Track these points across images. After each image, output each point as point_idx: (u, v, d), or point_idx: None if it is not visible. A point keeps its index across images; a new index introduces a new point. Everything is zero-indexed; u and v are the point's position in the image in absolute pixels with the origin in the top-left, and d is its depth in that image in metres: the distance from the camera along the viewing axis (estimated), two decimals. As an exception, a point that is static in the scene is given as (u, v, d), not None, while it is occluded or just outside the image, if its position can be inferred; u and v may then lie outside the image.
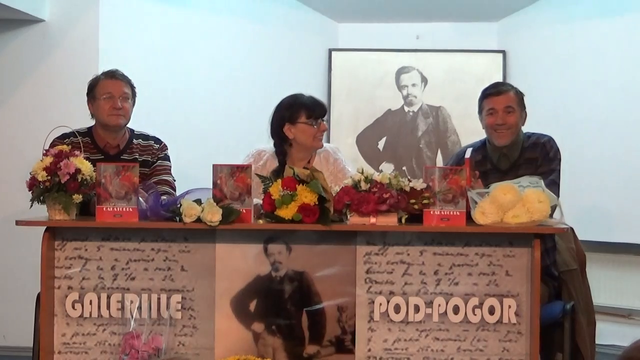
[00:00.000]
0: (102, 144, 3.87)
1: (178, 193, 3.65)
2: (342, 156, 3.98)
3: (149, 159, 3.90)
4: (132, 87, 3.89)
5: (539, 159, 3.80)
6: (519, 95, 3.87)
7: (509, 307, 3.32)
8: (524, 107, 3.87)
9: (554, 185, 3.65)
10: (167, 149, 3.97)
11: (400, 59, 5.73)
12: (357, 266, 3.35)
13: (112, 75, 3.88)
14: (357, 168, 3.35)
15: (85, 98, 3.88)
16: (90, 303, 3.37)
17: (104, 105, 3.81)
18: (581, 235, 3.92)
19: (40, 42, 4.96)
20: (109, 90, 3.82)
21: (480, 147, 3.92)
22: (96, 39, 4.90)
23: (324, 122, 3.89)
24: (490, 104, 3.82)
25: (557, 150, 3.83)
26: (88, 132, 3.89)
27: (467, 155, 3.53)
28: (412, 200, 3.23)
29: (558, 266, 3.79)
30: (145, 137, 3.96)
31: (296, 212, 3.21)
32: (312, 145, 3.86)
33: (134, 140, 3.92)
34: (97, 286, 3.37)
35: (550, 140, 3.87)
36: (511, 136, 3.80)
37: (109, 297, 3.37)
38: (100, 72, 3.96)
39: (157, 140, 3.97)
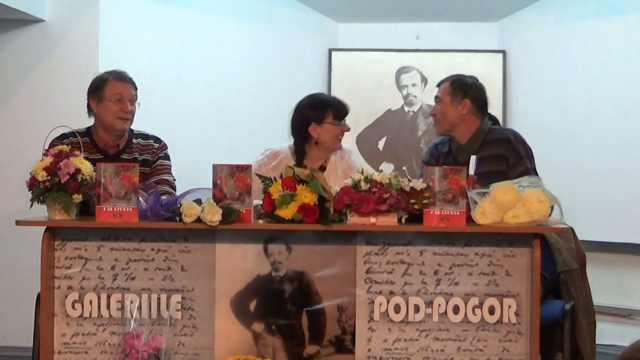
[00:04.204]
0: (102, 143, 3.87)
1: (178, 193, 3.65)
2: (355, 159, 4.04)
3: (149, 158, 3.89)
4: (136, 90, 3.88)
5: (508, 157, 3.78)
6: (456, 84, 3.88)
7: (509, 307, 3.32)
8: (465, 96, 3.85)
9: None
10: (167, 148, 3.97)
11: (400, 59, 5.73)
12: (357, 266, 3.34)
13: (122, 77, 3.85)
14: (357, 168, 3.35)
15: (85, 98, 3.86)
16: (90, 303, 3.37)
17: (113, 108, 3.79)
18: (581, 235, 3.91)
19: (40, 42, 4.95)
20: (120, 92, 3.80)
21: (448, 140, 3.97)
22: (96, 39, 4.89)
23: (347, 124, 3.93)
24: None
25: (527, 146, 3.82)
26: (87, 132, 3.88)
27: (472, 163, 3.53)
28: (412, 200, 3.23)
29: (558, 266, 3.78)
30: (145, 136, 3.95)
31: (296, 212, 3.21)
32: (333, 146, 3.91)
33: (134, 140, 3.91)
34: (97, 286, 3.37)
35: (516, 135, 3.84)
36: (441, 125, 3.89)
37: (109, 297, 3.37)
38: (100, 72, 3.95)
39: (157, 140, 3.96)
